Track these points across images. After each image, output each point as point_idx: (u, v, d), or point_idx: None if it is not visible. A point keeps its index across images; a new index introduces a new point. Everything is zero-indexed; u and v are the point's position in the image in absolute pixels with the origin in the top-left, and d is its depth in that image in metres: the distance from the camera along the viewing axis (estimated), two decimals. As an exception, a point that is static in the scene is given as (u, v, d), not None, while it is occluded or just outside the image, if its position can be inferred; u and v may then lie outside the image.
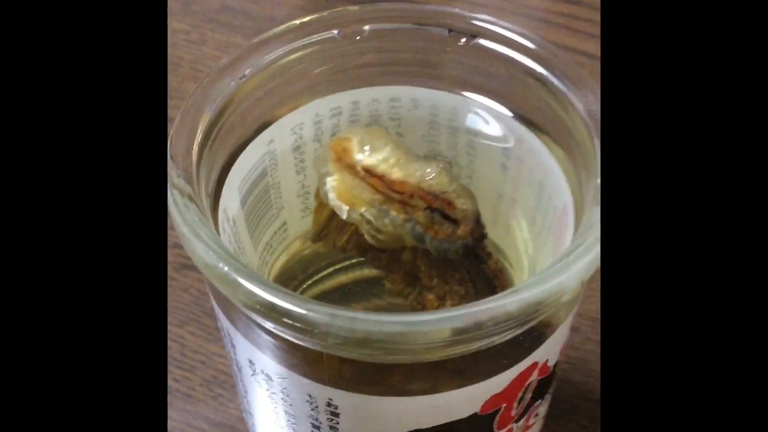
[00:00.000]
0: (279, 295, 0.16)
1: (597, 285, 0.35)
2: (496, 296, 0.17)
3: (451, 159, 0.23)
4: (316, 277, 0.25)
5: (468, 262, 0.21)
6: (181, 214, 0.18)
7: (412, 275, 0.22)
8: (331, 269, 0.26)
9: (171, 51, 0.45)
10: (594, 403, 0.31)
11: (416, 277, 0.22)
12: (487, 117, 0.23)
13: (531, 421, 0.22)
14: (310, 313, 0.16)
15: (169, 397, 0.31)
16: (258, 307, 0.16)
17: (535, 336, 0.19)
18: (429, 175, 0.21)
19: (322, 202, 0.23)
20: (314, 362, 0.18)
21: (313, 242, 0.24)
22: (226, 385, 0.32)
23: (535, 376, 0.20)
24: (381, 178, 0.21)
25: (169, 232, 0.37)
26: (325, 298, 0.25)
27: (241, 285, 0.17)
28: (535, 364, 0.19)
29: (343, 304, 0.25)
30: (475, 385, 0.18)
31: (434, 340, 0.16)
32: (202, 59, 0.43)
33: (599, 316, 0.34)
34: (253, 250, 0.23)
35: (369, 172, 0.21)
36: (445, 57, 0.23)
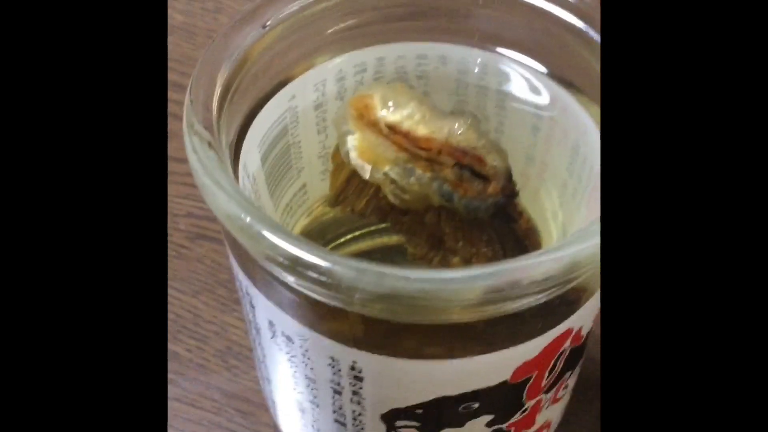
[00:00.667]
0: (304, 248, 0.15)
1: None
2: (532, 254, 0.16)
3: (478, 115, 0.22)
4: (335, 243, 0.24)
5: (496, 222, 0.20)
6: (201, 161, 0.17)
7: (436, 238, 0.21)
8: (350, 236, 0.25)
9: (187, 19, 0.44)
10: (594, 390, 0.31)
11: (440, 240, 0.21)
12: (519, 75, 0.22)
13: (560, 394, 0.21)
14: (336, 267, 0.15)
15: (182, 368, 0.31)
16: (281, 260, 0.15)
17: (572, 300, 0.18)
18: (457, 131, 0.20)
19: (339, 164, 0.22)
20: (339, 322, 0.17)
21: (331, 207, 0.23)
22: (240, 356, 0.31)
23: (568, 345, 0.19)
24: (406, 135, 0.20)
25: (182, 201, 0.36)
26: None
27: (264, 237, 0.16)
28: (570, 330, 0.18)
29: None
30: (507, 350, 0.17)
31: (465, 299, 0.15)
32: (219, 28, 0.42)
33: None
34: (274, 210, 0.22)
35: (393, 129, 0.20)
36: (476, 10, 0.21)
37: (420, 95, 0.21)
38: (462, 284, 0.15)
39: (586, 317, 0.19)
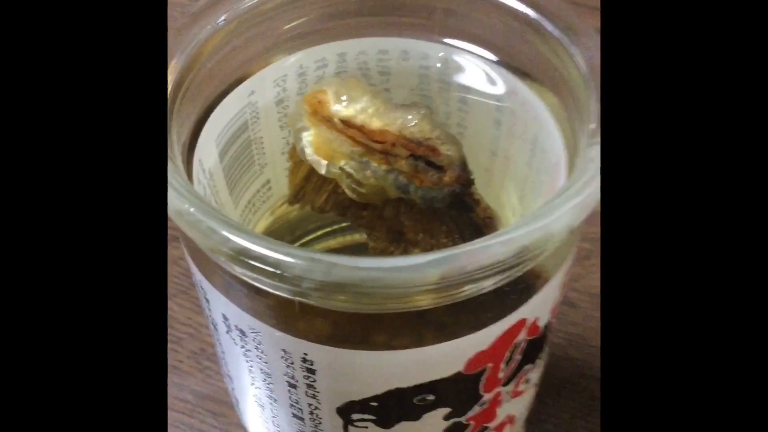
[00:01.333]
0: (250, 240, 0.15)
1: (597, 261, 0.34)
2: (480, 239, 0.16)
3: (435, 110, 0.22)
4: (303, 241, 0.24)
5: (455, 212, 0.20)
6: None
7: (396, 231, 0.21)
8: (319, 232, 0.25)
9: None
10: (593, 381, 0.30)
11: (400, 233, 0.21)
12: (479, 68, 0.22)
13: (521, 387, 0.21)
14: (283, 258, 0.15)
15: (155, 369, 0.31)
16: (229, 252, 0.15)
17: (523, 288, 0.18)
18: (410, 122, 0.20)
19: (297, 161, 0.22)
20: (288, 313, 0.17)
21: (291, 204, 0.23)
22: (213, 358, 0.31)
23: (523, 336, 0.19)
24: (360, 128, 0.20)
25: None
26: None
27: (211, 230, 0.16)
28: (523, 321, 0.18)
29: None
30: (459, 340, 0.17)
31: (414, 286, 0.15)
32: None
33: (599, 292, 0.33)
34: (233, 206, 0.22)
35: (347, 123, 0.20)
36: (436, 4, 0.22)
37: (373, 88, 0.21)
38: (411, 272, 0.15)
39: (541, 307, 0.19)
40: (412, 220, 0.21)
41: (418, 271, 0.15)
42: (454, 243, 0.21)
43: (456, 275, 0.15)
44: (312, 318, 0.17)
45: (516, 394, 0.21)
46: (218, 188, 0.21)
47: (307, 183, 0.22)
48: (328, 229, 0.25)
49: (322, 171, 0.21)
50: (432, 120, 0.20)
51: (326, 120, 0.21)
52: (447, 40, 0.22)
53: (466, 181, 0.20)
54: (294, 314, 0.17)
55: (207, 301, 0.19)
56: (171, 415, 0.29)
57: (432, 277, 0.15)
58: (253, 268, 0.16)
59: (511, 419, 0.22)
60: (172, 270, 0.34)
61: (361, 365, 0.18)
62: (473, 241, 0.16)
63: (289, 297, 0.17)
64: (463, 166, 0.20)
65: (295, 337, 0.17)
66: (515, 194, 0.22)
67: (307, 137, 0.21)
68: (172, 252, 0.34)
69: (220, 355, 0.21)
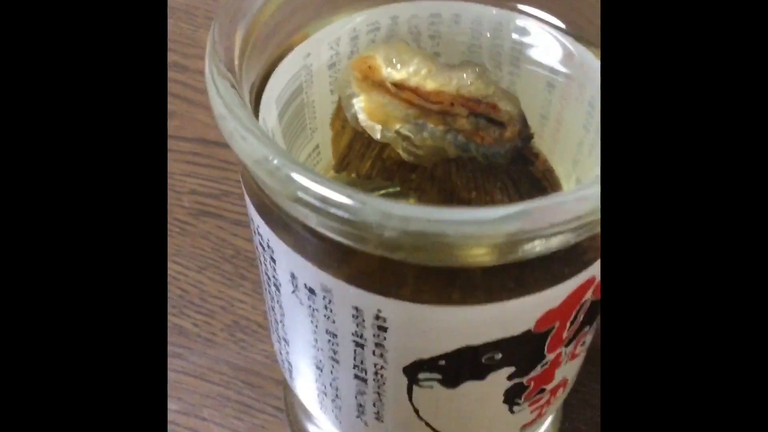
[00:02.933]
0: (333, 187, 0.15)
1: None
2: (560, 193, 0.16)
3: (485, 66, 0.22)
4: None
5: (511, 166, 0.20)
6: (228, 106, 0.16)
7: (448, 192, 0.21)
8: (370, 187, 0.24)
9: (187, 0, 0.43)
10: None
11: (452, 193, 0.21)
12: (533, 31, 0.22)
13: (578, 350, 0.21)
14: (364, 206, 0.15)
15: (189, 342, 0.31)
16: (311, 200, 0.15)
17: (596, 245, 0.18)
18: (467, 81, 0.20)
19: (338, 131, 0.22)
20: (363, 268, 0.17)
21: (336, 173, 0.23)
22: (247, 330, 0.31)
23: (589, 295, 0.19)
24: (414, 91, 0.20)
25: (185, 179, 0.36)
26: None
27: (292, 179, 0.15)
28: (592, 279, 0.18)
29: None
30: (532, 296, 0.17)
31: (494, 237, 0.15)
32: (217, 8, 0.42)
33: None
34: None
35: (400, 87, 0.20)
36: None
37: (422, 51, 0.21)
38: (489, 225, 0.15)
39: (608, 266, 0.19)
40: (465, 179, 0.21)
41: (496, 225, 0.15)
42: (510, 198, 0.21)
43: (531, 230, 0.15)
44: (388, 273, 0.17)
45: (573, 356, 0.21)
46: (278, 148, 0.21)
47: (351, 150, 0.22)
48: (378, 193, 0.25)
49: (377, 136, 0.21)
50: (486, 77, 0.20)
51: (378, 85, 0.21)
52: (503, 3, 0.22)
53: (527, 135, 0.20)
54: (370, 269, 0.17)
55: (273, 261, 0.19)
56: (207, 387, 0.29)
57: (510, 230, 0.15)
58: (334, 217, 0.15)
59: (564, 383, 0.22)
60: (201, 244, 0.33)
61: (436, 321, 0.17)
62: (554, 194, 0.16)
63: (366, 250, 0.16)
64: (523, 120, 0.20)
65: (370, 293, 0.17)
66: (569, 158, 0.22)
67: (359, 103, 0.21)
68: (201, 226, 0.34)
69: (277, 318, 0.21)
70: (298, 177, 0.15)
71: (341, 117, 0.21)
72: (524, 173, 0.21)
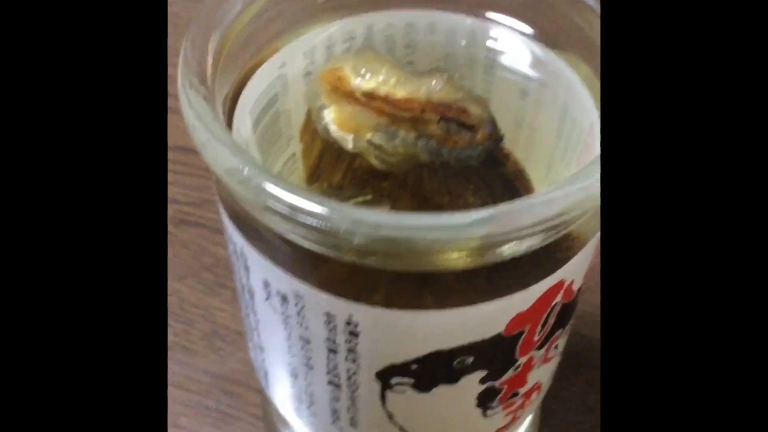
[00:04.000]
0: (303, 196, 0.15)
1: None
2: (530, 196, 0.16)
3: (459, 80, 0.23)
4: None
5: (482, 169, 0.20)
6: (199, 117, 0.17)
7: (421, 197, 0.21)
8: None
9: (168, 9, 0.44)
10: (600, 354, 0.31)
11: (425, 198, 0.21)
12: (507, 39, 0.22)
13: (551, 354, 0.21)
14: (334, 214, 0.15)
15: (169, 351, 0.31)
16: (281, 209, 0.16)
17: (565, 248, 0.18)
18: (436, 87, 0.20)
19: (309, 142, 0.22)
20: (334, 275, 0.17)
21: (309, 185, 0.23)
22: (226, 339, 0.31)
23: (560, 298, 0.19)
24: (385, 99, 0.20)
25: (168, 187, 0.36)
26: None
27: (263, 188, 0.16)
28: (562, 282, 0.19)
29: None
30: (502, 299, 0.18)
31: (464, 242, 0.16)
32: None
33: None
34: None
35: (370, 96, 0.21)
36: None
37: (390, 59, 0.21)
38: (459, 230, 0.15)
39: (578, 269, 0.19)
40: (437, 183, 0.21)
41: (465, 229, 0.15)
42: (483, 200, 0.21)
43: (501, 233, 0.16)
44: (358, 279, 0.17)
45: (546, 360, 0.21)
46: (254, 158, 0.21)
47: (321, 162, 0.22)
48: (354, 201, 0.25)
49: (349, 146, 0.21)
50: (455, 83, 0.20)
51: (348, 95, 0.21)
52: (477, 11, 0.22)
53: (497, 137, 0.20)
54: (340, 276, 0.17)
55: (246, 269, 0.19)
56: (186, 396, 0.29)
57: (480, 233, 0.15)
58: (304, 226, 0.16)
59: (538, 387, 0.22)
60: (182, 253, 0.34)
61: (407, 326, 0.18)
62: (523, 198, 0.16)
63: (338, 257, 0.17)
64: (493, 122, 0.20)
65: (342, 299, 0.17)
66: (543, 163, 0.22)
67: (329, 114, 0.21)
68: (181, 235, 0.34)
69: (252, 326, 0.21)
70: (268, 186, 0.16)
71: (310, 129, 0.21)
72: (496, 175, 0.21)
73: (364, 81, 0.21)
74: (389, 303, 0.17)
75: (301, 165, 0.23)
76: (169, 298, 0.32)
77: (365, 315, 0.18)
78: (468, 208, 0.18)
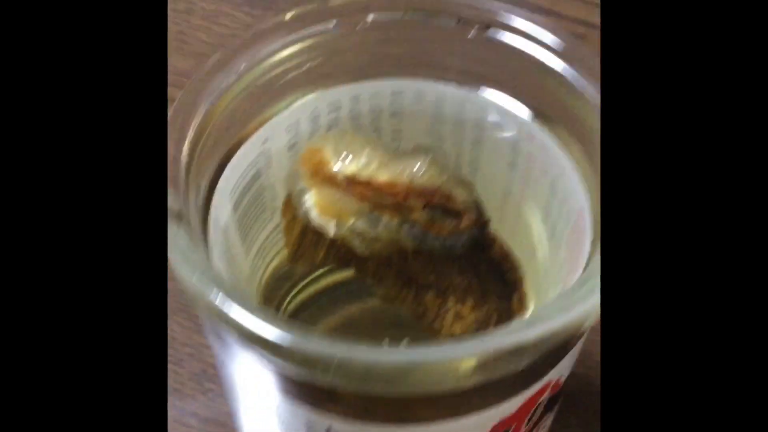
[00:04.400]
0: (272, 330, 0.15)
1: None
2: (510, 326, 0.15)
3: (446, 151, 0.22)
4: (311, 277, 0.24)
5: (468, 252, 0.20)
6: (172, 239, 0.16)
7: (406, 276, 0.21)
8: (326, 268, 0.24)
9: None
10: (595, 396, 0.31)
11: (410, 278, 0.21)
12: (496, 111, 0.21)
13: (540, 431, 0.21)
14: (308, 348, 0.15)
15: (157, 393, 0.30)
16: (252, 344, 0.15)
17: (552, 357, 0.17)
18: (419, 171, 0.19)
19: (291, 219, 0.21)
20: (314, 391, 0.17)
21: (291, 263, 0.22)
22: (215, 379, 0.31)
23: (546, 395, 0.19)
24: (367, 184, 0.20)
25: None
26: (320, 297, 0.24)
27: (233, 320, 0.15)
28: (549, 382, 0.18)
29: (338, 303, 0.24)
30: (485, 412, 0.17)
31: (446, 377, 0.15)
32: (189, 30, 0.41)
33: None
34: (245, 256, 0.21)
35: (352, 181, 0.20)
36: (453, 48, 0.21)
37: (369, 138, 0.21)
38: (442, 362, 0.15)
39: (567, 367, 0.19)
40: (422, 264, 0.21)
41: (449, 361, 0.15)
42: (469, 280, 0.20)
43: (486, 365, 0.15)
44: (337, 396, 0.17)
45: (534, 440, 0.21)
46: (231, 242, 0.20)
47: (304, 240, 0.22)
48: (343, 274, 0.24)
49: (331, 233, 0.20)
50: (439, 164, 0.20)
51: (329, 179, 0.20)
52: (464, 83, 0.21)
53: (483, 222, 0.20)
54: (320, 394, 0.17)
55: (228, 374, 0.19)
56: (175, 441, 0.29)
57: (461, 366, 0.15)
58: (277, 358, 0.15)
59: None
60: (171, 287, 0.33)
61: (389, 438, 0.17)
62: (503, 329, 0.15)
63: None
64: (479, 207, 0.20)
65: (321, 411, 0.17)
66: (530, 243, 0.22)
67: (311, 199, 0.20)
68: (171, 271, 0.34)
69: (237, 413, 0.21)
70: (237, 317, 0.15)
71: (291, 208, 0.21)
72: (482, 258, 0.21)
73: (345, 164, 0.20)
74: (368, 418, 0.17)
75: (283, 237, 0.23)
76: (157, 335, 0.32)
77: (345, 427, 0.17)
78: (454, 288, 0.18)
